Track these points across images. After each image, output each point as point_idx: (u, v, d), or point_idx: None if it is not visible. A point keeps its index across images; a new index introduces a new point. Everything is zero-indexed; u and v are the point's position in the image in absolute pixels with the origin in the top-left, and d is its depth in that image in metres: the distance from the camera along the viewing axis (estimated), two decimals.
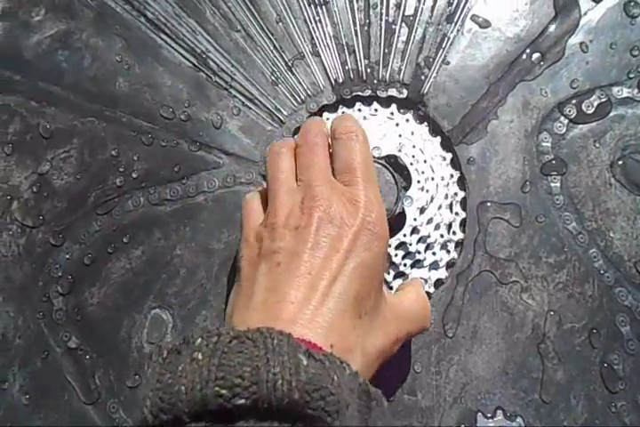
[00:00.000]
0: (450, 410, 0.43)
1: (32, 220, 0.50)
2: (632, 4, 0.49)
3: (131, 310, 0.48)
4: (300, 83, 0.51)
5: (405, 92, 0.50)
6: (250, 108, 0.51)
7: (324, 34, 0.52)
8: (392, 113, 0.50)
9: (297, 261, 0.33)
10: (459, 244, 0.48)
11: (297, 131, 0.50)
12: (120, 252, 0.49)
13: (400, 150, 0.48)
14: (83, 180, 0.50)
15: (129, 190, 0.50)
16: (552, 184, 0.47)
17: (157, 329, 0.47)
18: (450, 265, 0.47)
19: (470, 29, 0.50)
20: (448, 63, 0.50)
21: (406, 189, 0.47)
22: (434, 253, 0.47)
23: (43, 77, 0.53)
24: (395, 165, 0.48)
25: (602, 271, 0.45)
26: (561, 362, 0.43)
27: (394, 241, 0.46)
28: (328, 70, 0.51)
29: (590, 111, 0.48)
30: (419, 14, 0.51)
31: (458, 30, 0.50)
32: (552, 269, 0.45)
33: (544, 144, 0.47)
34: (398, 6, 0.51)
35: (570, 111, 0.48)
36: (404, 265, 0.46)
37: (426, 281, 0.46)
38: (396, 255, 0.46)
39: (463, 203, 0.48)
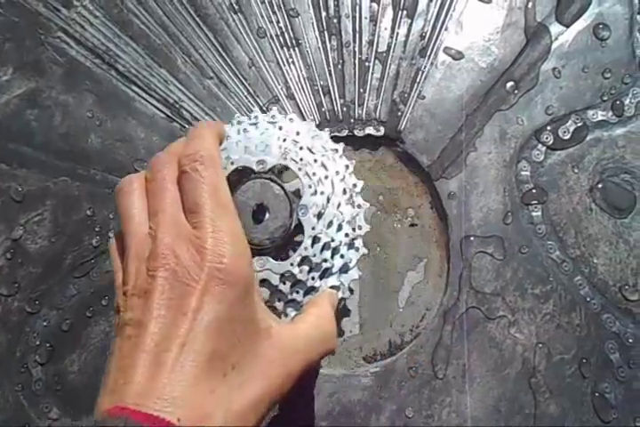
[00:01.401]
0: None
1: (7, 288, 0.57)
2: (601, 26, 0.57)
3: None
4: None
5: (382, 130, 0.59)
6: None
7: (298, 76, 0.61)
8: (273, 116, 0.53)
9: (144, 334, 0.35)
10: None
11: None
12: (99, 315, 0.56)
13: (286, 157, 0.49)
14: (58, 242, 0.58)
15: (106, 250, 0.57)
16: (533, 213, 0.55)
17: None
18: (360, 261, 0.52)
19: (444, 62, 0.59)
20: (423, 97, 0.59)
21: (300, 197, 0.49)
22: (342, 256, 0.50)
23: (12, 138, 0.61)
24: (281, 174, 0.51)
25: (588, 299, 0.52)
26: (552, 395, 0.51)
27: (295, 257, 0.48)
28: (304, 112, 0.60)
29: (567, 137, 0.56)
30: (391, 50, 0.60)
31: (431, 64, 0.59)
32: (538, 301, 0.53)
33: (523, 173, 0.56)
34: (371, 43, 0.60)
35: (547, 138, 0.56)
36: (312, 279, 0.49)
37: (339, 288, 0.50)
38: (300, 272, 0.48)
39: (363, 193, 0.52)
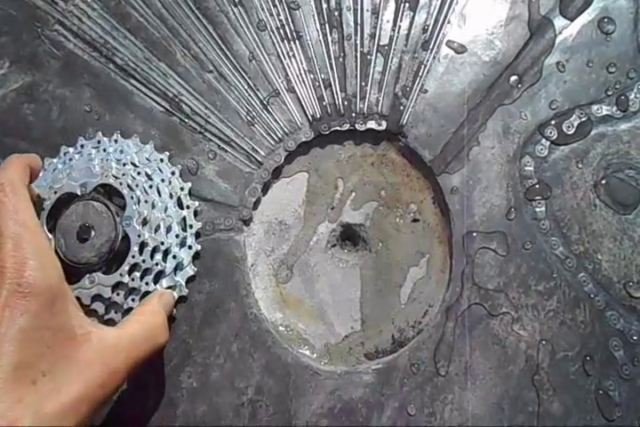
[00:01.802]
0: None
1: None
2: (606, 20, 0.58)
3: None
4: (276, 121, 0.60)
5: (384, 124, 0.59)
6: (226, 151, 0.60)
7: (299, 69, 0.61)
8: (99, 141, 0.59)
9: None
10: (199, 234, 0.57)
11: (275, 171, 0.59)
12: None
13: (107, 175, 0.55)
14: None
15: None
16: (537, 209, 0.55)
17: (138, 391, 0.55)
18: (195, 257, 0.56)
19: (447, 55, 0.59)
20: (426, 91, 0.59)
21: (124, 209, 0.54)
22: (174, 257, 0.55)
23: (9, 133, 0.62)
24: (109, 192, 0.55)
25: (592, 295, 0.53)
26: (556, 393, 0.51)
27: (124, 267, 0.52)
28: (305, 106, 0.60)
29: (571, 132, 0.56)
30: (394, 43, 0.60)
31: (434, 57, 0.59)
32: (542, 297, 0.53)
33: (527, 168, 0.56)
34: (373, 36, 0.60)
35: (551, 133, 0.56)
36: (147, 284, 0.54)
37: (175, 287, 0.55)
38: (132, 280, 0.53)
39: (191, 193, 0.58)
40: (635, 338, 0.52)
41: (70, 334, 0.41)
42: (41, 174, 0.57)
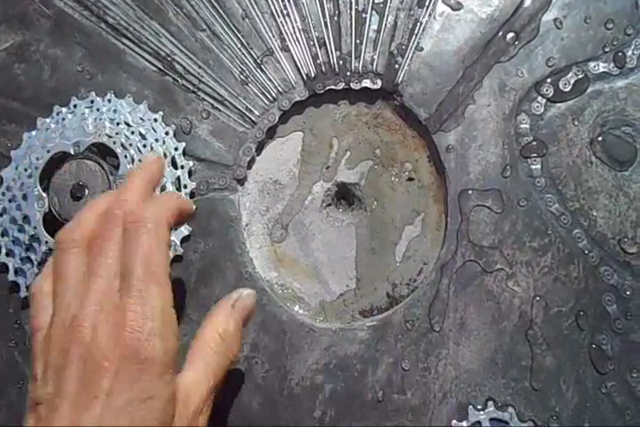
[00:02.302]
0: (440, 406, 0.52)
1: None
2: None
3: None
4: (270, 80, 0.61)
5: (379, 83, 0.59)
6: (220, 111, 0.60)
7: (293, 28, 0.61)
8: (92, 101, 0.61)
9: (55, 417, 0.36)
10: (193, 194, 0.58)
11: (269, 131, 0.60)
12: None
13: (100, 135, 0.57)
14: None
15: None
16: (532, 166, 0.56)
17: None
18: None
19: (442, 13, 0.60)
20: (421, 49, 0.59)
21: (118, 168, 0.56)
22: None
23: (0, 93, 0.63)
24: (103, 151, 0.57)
25: (586, 251, 0.54)
26: (549, 347, 0.52)
27: None
28: (299, 65, 0.61)
29: (567, 89, 0.57)
30: (389, 1, 0.60)
31: (430, 14, 0.60)
32: (536, 254, 0.54)
33: (522, 126, 0.57)
34: None
35: (547, 90, 0.57)
36: None
37: (170, 246, 0.54)
38: None
39: (185, 153, 0.59)
40: (628, 293, 0.53)
41: (174, 406, 0.39)
42: (34, 134, 0.59)
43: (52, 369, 0.38)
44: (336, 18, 0.62)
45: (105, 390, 0.36)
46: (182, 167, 0.59)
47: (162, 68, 0.62)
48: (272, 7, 0.62)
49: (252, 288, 0.51)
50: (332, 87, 0.61)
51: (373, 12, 0.61)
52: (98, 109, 0.61)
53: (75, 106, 0.61)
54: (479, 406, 0.53)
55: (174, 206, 0.45)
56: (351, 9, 0.62)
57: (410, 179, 0.60)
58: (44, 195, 0.56)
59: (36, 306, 0.42)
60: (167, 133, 0.60)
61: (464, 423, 0.52)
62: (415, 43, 0.61)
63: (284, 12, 0.62)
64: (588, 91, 0.57)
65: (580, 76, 0.57)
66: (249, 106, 0.61)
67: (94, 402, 0.36)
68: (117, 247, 0.40)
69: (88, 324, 0.38)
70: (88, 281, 0.40)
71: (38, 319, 0.41)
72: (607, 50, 0.58)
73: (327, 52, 0.62)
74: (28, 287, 0.58)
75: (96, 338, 0.37)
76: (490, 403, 0.52)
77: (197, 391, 0.41)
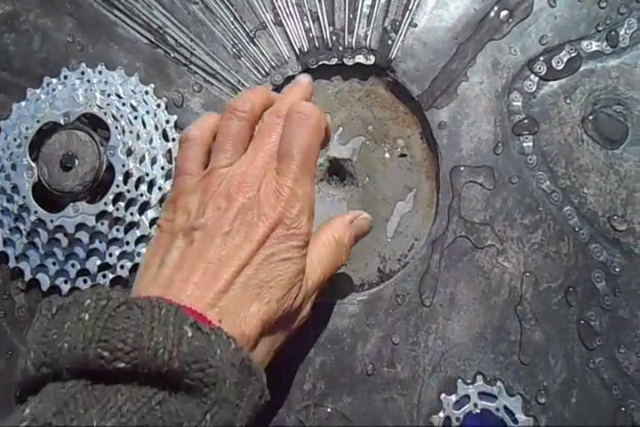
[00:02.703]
0: (429, 379, 0.54)
1: None
2: None
3: None
4: (263, 54, 0.61)
5: (373, 59, 0.60)
6: (212, 84, 0.61)
7: (286, 2, 0.62)
8: (82, 72, 0.61)
9: (210, 245, 0.42)
10: None
11: None
12: None
13: (91, 105, 0.57)
14: None
15: None
16: (524, 144, 0.57)
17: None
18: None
19: None
20: (415, 26, 0.60)
21: (108, 140, 0.56)
22: (160, 188, 0.58)
23: None
24: (94, 122, 0.58)
25: (576, 229, 0.55)
26: (538, 323, 0.53)
27: (108, 196, 0.55)
28: (292, 40, 0.61)
29: (560, 67, 0.58)
30: None
31: None
32: (527, 230, 0.55)
33: (515, 104, 0.58)
34: None
35: (540, 68, 0.58)
36: (132, 214, 0.56)
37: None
38: (117, 209, 0.55)
39: (177, 126, 0.60)
40: (617, 270, 0.54)
41: (297, 277, 0.45)
42: (23, 104, 0.59)
43: (211, 207, 0.44)
44: None
45: (258, 238, 0.43)
46: (173, 140, 0.60)
47: (153, 40, 0.63)
48: None
49: None
50: (325, 62, 0.62)
51: None
52: (88, 81, 0.61)
53: (65, 77, 0.62)
54: (468, 380, 0.54)
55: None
56: None
57: (402, 155, 0.61)
58: (34, 165, 0.56)
59: (186, 152, 0.49)
60: (159, 106, 0.61)
61: (453, 397, 0.54)
62: (409, 19, 0.61)
63: None
64: (581, 69, 0.58)
65: (573, 55, 0.58)
66: (241, 80, 0.62)
67: (247, 245, 0.43)
68: (279, 135, 0.47)
69: (254, 184, 0.45)
70: (254, 150, 0.47)
71: (186, 164, 0.48)
72: (600, 29, 0.59)
73: (320, 27, 0.62)
74: (17, 258, 0.59)
75: (259, 196, 0.44)
76: (479, 377, 0.54)
77: (311, 277, 0.47)
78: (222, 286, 0.41)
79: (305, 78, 0.55)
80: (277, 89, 0.62)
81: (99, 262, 0.58)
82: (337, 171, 0.62)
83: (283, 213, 0.44)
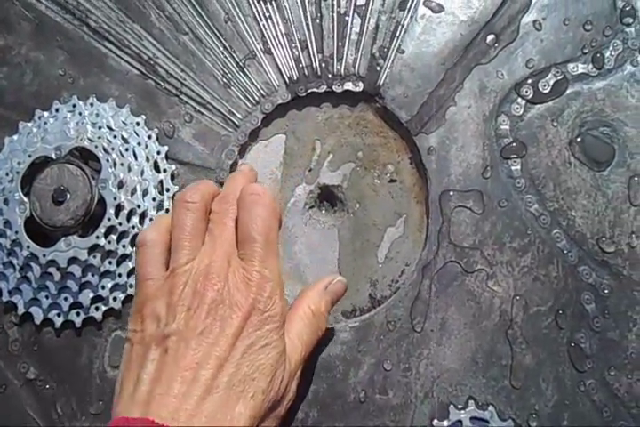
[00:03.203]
0: (422, 405, 0.55)
1: None
2: None
3: (90, 333, 0.60)
4: (252, 83, 0.64)
5: (361, 85, 0.63)
6: (202, 114, 0.64)
7: (276, 31, 0.64)
8: (74, 105, 0.64)
9: (184, 349, 0.43)
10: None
11: (252, 134, 0.63)
12: None
13: (82, 139, 0.59)
14: None
15: None
16: (512, 167, 0.59)
17: (119, 352, 0.56)
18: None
19: (424, 15, 0.63)
20: (403, 52, 0.63)
21: (100, 172, 0.57)
22: (151, 220, 0.59)
23: None
24: (85, 156, 0.60)
25: (565, 251, 0.57)
26: (529, 346, 0.55)
27: (100, 229, 0.56)
28: (281, 68, 0.64)
29: (547, 90, 0.60)
30: (371, 3, 0.63)
31: (411, 17, 0.63)
32: (516, 254, 0.57)
33: (502, 127, 0.60)
34: None
35: (527, 92, 0.60)
36: (124, 247, 0.58)
37: None
38: (109, 242, 0.57)
39: (168, 157, 0.62)
40: (606, 291, 0.56)
41: (283, 357, 0.47)
42: (15, 138, 0.62)
43: (180, 309, 0.45)
44: (318, 21, 0.65)
45: (234, 332, 0.44)
46: (165, 171, 0.62)
47: (144, 71, 0.66)
48: (254, 10, 0.66)
49: None
50: (315, 90, 0.64)
51: (355, 15, 0.65)
52: (80, 113, 0.63)
53: (57, 110, 0.64)
54: (460, 406, 0.56)
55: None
56: (333, 12, 0.65)
57: (392, 180, 0.63)
58: (26, 199, 0.58)
59: (145, 256, 0.49)
60: (150, 137, 0.63)
61: (445, 423, 0.55)
62: (397, 45, 0.64)
63: (267, 15, 0.66)
64: (567, 92, 0.61)
65: (559, 78, 0.61)
66: (232, 109, 0.65)
67: (223, 340, 0.43)
68: (233, 220, 0.49)
69: (220, 275, 0.46)
70: (212, 241, 0.48)
71: (147, 268, 0.49)
72: (586, 51, 0.61)
73: (309, 55, 0.65)
74: (10, 292, 0.61)
75: (228, 288, 0.45)
76: (470, 402, 0.56)
77: (293, 356, 0.48)
78: (202, 392, 0.42)
79: (246, 166, 0.58)
80: (268, 117, 0.65)
81: (91, 295, 0.60)
82: (327, 197, 0.64)
83: (255, 298, 0.45)
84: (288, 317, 0.49)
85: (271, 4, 0.66)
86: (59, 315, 0.61)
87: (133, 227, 0.59)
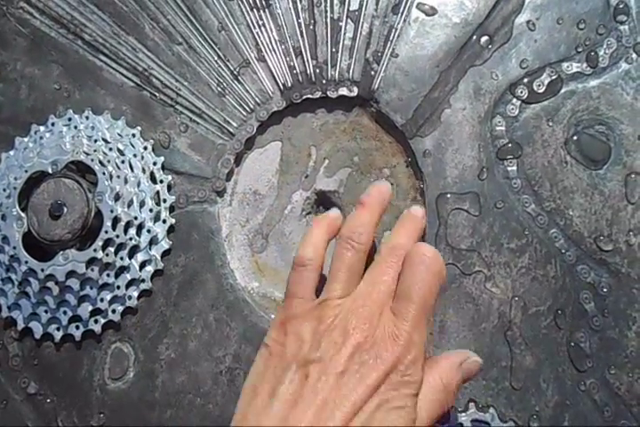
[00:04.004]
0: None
1: None
2: None
3: (90, 346, 0.63)
4: (247, 91, 0.67)
5: (356, 90, 0.66)
6: (198, 124, 0.67)
7: (269, 38, 0.67)
8: (69, 118, 0.67)
9: (324, 383, 0.44)
10: (173, 208, 0.65)
11: (248, 142, 0.66)
12: None
13: (78, 152, 0.62)
14: None
15: None
16: (509, 168, 0.62)
17: (119, 364, 0.63)
18: (170, 231, 0.64)
19: (417, 19, 0.66)
20: (397, 56, 0.65)
21: (96, 185, 0.60)
22: (149, 231, 0.63)
23: None
24: (81, 169, 0.63)
25: (563, 251, 0.59)
26: (528, 347, 0.58)
27: (98, 242, 0.59)
28: (275, 75, 0.67)
29: (541, 90, 0.63)
30: (364, 8, 0.66)
31: (404, 21, 0.66)
32: (514, 255, 0.60)
33: (498, 128, 0.63)
34: (342, 2, 0.67)
35: (521, 92, 0.63)
36: (121, 259, 0.61)
37: (151, 261, 0.64)
38: (107, 255, 0.60)
39: (164, 167, 0.65)
40: (605, 290, 0.59)
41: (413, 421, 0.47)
42: (12, 153, 0.64)
43: (326, 340, 0.47)
44: (312, 27, 0.68)
45: (372, 382, 0.45)
46: (161, 182, 0.65)
47: (139, 83, 0.69)
48: (248, 18, 0.69)
49: (233, 299, 0.58)
50: (310, 96, 0.67)
51: (348, 20, 0.68)
52: (75, 127, 0.66)
53: (52, 124, 0.67)
54: (460, 408, 0.58)
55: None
56: (326, 18, 0.68)
57: None
58: (23, 215, 0.61)
59: (301, 275, 0.52)
60: (145, 148, 0.66)
61: (446, 426, 0.58)
62: (390, 49, 0.67)
63: (260, 22, 0.69)
64: (562, 91, 0.63)
65: (554, 77, 0.64)
66: (227, 118, 0.68)
67: (361, 388, 0.44)
68: (396, 272, 0.50)
69: (372, 322, 0.47)
70: (371, 284, 0.50)
71: (299, 287, 0.52)
72: (580, 50, 0.64)
73: (303, 62, 0.68)
74: (9, 308, 0.64)
75: (375, 337, 0.46)
76: (471, 404, 0.58)
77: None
78: None
79: (419, 211, 0.56)
80: (263, 125, 0.68)
81: (90, 308, 0.62)
82: (324, 203, 0.67)
83: (399, 358, 0.45)
84: None
85: (264, 11, 0.69)
86: (58, 329, 0.63)
87: (131, 239, 0.62)
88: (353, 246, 0.51)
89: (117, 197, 0.61)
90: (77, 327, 0.63)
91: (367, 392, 0.44)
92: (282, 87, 0.68)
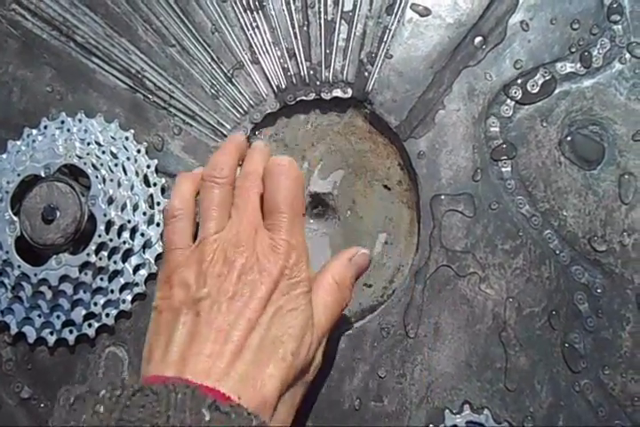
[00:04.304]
0: (417, 411, 0.59)
1: None
2: None
3: (83, 351, 0.64)
4: (241, 93, 0.68)
5: (350, 92, 0.67)
6: (191, 126, 0.68)
7: (263, 40, 0.69)
8: (62, 121, 0.68)
9: (216, 312, 0.46)
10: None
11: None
12: None
13: (70, 156, 0.63)
14: None
15: None
16: (503, 169, 0.63)
17: (114, 368, 0.63)
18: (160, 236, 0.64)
19: (411, 19, 0.67)
20: (391, 57, 0.66)
21: (89, 189, 0.61)
22: (142, 235, 0.64)
23: None
24: (74, 172, 0.63)
25: (557, 251, 0.60)
26: (523, 348, 0.59)
27: (91, 246, 0.60)
28: (269, 77, 0.68)
29: (535, 90, 0.64)
30: (357, 9, 0.68)
31: (398, 21, 0.67)
32: (508, 256, 0.61)
33: (492, 129, 0.64)
34: (336, 3, 0.68)
35: (515, 93, 0.64)
36: (115, 263, 0.62)
37: (144, 265, 0.64)
38: (100, 259, 0.60)
39: (158, 170, 0.66)
40: (599, 291, 0.59)
41: (307, 325, 0.51)
42: (4, 157, 0.65)
43: (211, 275, 0.49)
44: (305, 28, 0.69)
45: (262, 295, 0.48)
46: (155, 185, 0.66)
47: (132, 85, 0.70)
48: (241, 20, 0.70)
49: None
50: (303, 98, 0.69)
51: (342, 21, 0.69)
52: (68, 130, 0.67)
53: (45, 127, 0.68)
54: (455, 410, 0.59)
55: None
56: (320, 19, 0.69)
57: (382, 186, 0.67)
58: (16, 219, 0.62)
59: (173, 226, 0.55)
60: (139, 151, 0.67)
61: None
62: (384, 50, 0.68)
63: (254, 24, 0.70)
64: (556, 92, 0.64)
65: (548, 78, 0.65)
66: (220, 120, 0.69)
67: (253, 303, 0.48)
68: (257, 194, 0.54)
69: (248, 243, 0.50)
70: (239, 213, 0.53)
71: (175, 238, 0.54)
72: (574, 50, 0.65)
73: (297, 63, 0.69)
74: (2, 312, 0.65)
75: (256, 255, 0.50)
76: (466, 406, 0.59)
77: (319, 323, 0.52)
78: (235, 352, 0.45)
79: (260, 142, 0.61)
80: (257, 127, 0.69)
81: (84, 312, 0.63)
82: (318, 205, 0.68)
83: (283, 265, 0.49)
84: (313, 287, 0.52)
85: (258, 13, 0.70)
86: (52, 333, 0.64)
87: (124, 242, 0.63)
88: (217, 182, 0.54)
89: (111, 201, 0.62)
90: (71, 332, 0.64)
91: (260, 305, 0.47)
92: (275, 89, 0.69)
